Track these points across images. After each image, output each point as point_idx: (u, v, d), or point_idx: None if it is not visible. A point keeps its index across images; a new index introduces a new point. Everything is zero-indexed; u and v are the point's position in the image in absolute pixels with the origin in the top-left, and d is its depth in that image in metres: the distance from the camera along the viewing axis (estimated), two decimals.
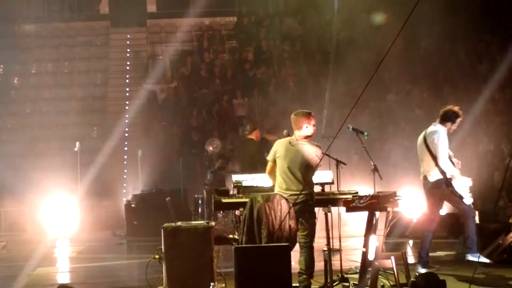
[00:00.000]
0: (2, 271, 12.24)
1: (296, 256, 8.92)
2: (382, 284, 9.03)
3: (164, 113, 21.84)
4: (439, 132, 10.40)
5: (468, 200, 10.29)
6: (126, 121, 22.30)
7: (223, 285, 9.24)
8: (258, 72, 22.77)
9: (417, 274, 9.03)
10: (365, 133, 9.78)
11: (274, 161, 9.00)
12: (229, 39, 25.15)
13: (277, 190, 8.92)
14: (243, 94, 21.95)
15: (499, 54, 19.47)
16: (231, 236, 9.72)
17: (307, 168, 8.84)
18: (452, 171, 10.27)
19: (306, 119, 8.98)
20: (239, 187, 9.56)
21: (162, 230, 8.85)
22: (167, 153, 19.46)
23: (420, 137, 10.65)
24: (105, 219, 18.10)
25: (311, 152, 8.90)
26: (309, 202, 8.84)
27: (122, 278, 11.57)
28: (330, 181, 9.74)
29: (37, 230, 17.11)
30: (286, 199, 8.72)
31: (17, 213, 18.20)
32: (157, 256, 8.94)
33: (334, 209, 9.52)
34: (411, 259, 11.72)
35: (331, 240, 9.39)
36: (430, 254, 10.73)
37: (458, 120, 10.57)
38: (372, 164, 9.38)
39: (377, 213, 8.78)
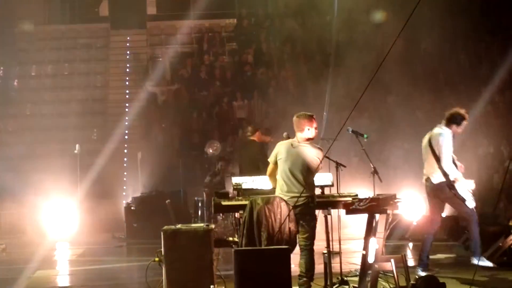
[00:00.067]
0: (2, 274, 12.23)
1: (296, 259, 8.92)
2: (382, 287, 9.03)
3: (164, 115, 21.84)
4: (444, 135, 10.37)
5: (470, 203, 10.27)
6: (126, 123, 22.31)
7: (223, 287, 9.24)
8: (258, 73, 22.78)
9: (417, 277, 9.02)
10: (365, 136, 9.77)
11: (276, 163, 9.00)
12: (229, 41, 25.17)
13: (278, 192, 8.91)
14: (243, 96, 21.95)
15: (499, 55, 19.48)
16: (231, 238, 9.71)
17: (309, 171, 8.84)
18: (455, 174, 10.25)
19: (308, 121, 9.00)
20: (239, 189, 9.56)
21: (162, 233, 8.84)
22: (167, 155, 19.45)
23: (425, 139, 10.60)
24: (105, 222, 18.10)
25: (313, 154, 8.91)
26: (310, 204, 8.84)
27: (122, 280, 11.57)
28: (330, 183, 9.74)
29: (37, 232, 17.10)
30: (286, 202, 8.72)
31: (17, 216, 18.19)
32: (157, 259, 8.92)
33: (334, 212, 9.54)
34: (411, 262, 11.70)
35: (331, 243, 9.39)
36: (430, 256, 10.71)
37: (464, 123, 10.52)
38: (372, 166, 9.38)
39: (377, 216, 8.77)
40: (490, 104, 18.45)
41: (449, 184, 10.26)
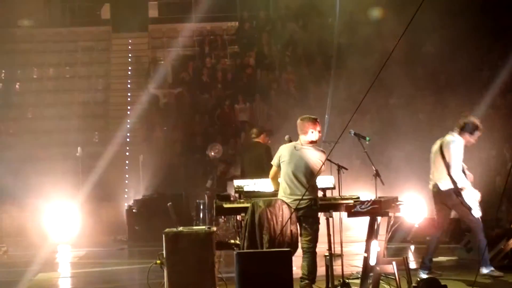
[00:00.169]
0: (3, 277, 12.23)
1: (297, 262, 8.92)
2: None
3: (166, 118, 21.84)
4: (456, 142, 10.37)
5: (476, 212, 10.27)
6: (128, 126, 22.31)
7: None
8: (259, 76, 22.79)
9: (418, 279, 9.01)
10: (367, 138, 9.77)
11: (279, 166, 9.03)
12: (230, 44, 25.17)
13: (281, 195, 8.92)
14: (245, 99, 21.94)
15: (501, 58, 19.46)
16: (232, 241, 9.72)
17: (312, 173, 8.87)
18: (464, 183, 10.25)
19: (312, 124, 9.04)
20: (240, 192, 9.57)
21: (163, 235, 8.84)
22: (168, 158, 19.45)
23: (436, 145, 10.59)
24: (106, 224, 18.08)
25: (316, 157, 8.93)
26: (313, 207, 8.86)
27: (123, 283, 11.57)
28: (332, 186, 9.75)
29: (38, 235, 17.08)
30: (288, 204, 8.73)
31: (18, 218, 18.18)
32: (158, 261, 8.92)
33: (335, 214, 9.53)
34: (412, 264, 11.70)
35: (332, 245, 9.39)
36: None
37: (477, 133, 10.51)
38: (374, 169, 9.38)
39: (379, 218, 8.77)
40: (492, 107, 18.42)
41: (457, 191, 10.25)
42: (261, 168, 12.36)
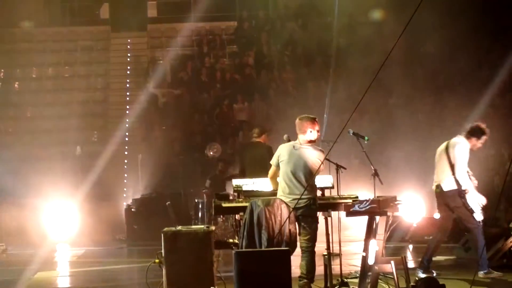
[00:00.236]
0: (2, 275, 12.23)
1: (296, 261, 8.93)
2: None
3: (165, 117, 21.85)
4: (462, 144, 10.42)
5: (478, 216, 10.29)
6: (127, 125, 22.31)
7: None
8: (258, 76, 22.79)
9: (417, 278, 9.03)
10: (366, 138, 9.77)
11: (278, 166, 9.04)
12: (229, 43, 25.17)
13: (280, 194, 8.93)
14: (243, 98, 21.95)
15: (500, 58, 19.47)
16: (231, 240, 9.74)
17: (311, 172, 8.88)
18: (467, 185, 10.27)
19: (311, 123, 9.05)
20: (239, 191, 9.58)
21: (162, 234, 8.85)
22: (167, 157, 19.44)
23: (442, 146, 10.63)
24: (105, 223, 18.07)
25: (315, 156, 8.94)
26: (312, 206, 8.87)
27: (122, 282, 11.58)
28: (330, 185, 9.76)
29: (37, 234, 17.09)
30: (286, 204, 8.74)
31: (17, 217, 18.18)
32: (157, 260, 8.93)
33: (334, 214, 9.55)
34: (411, 264, 11.72)
35: (331, 245, 9.40)
36: None
37: (484, 137, 10.56)
38: (373, 168, 9.39)
39: (377, 218, 8.78)
40: (491, 107, 18.44)
41: (460, 193, 10.27)
42: (264, 168, 12.33)
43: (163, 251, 8.81)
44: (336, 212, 9.61)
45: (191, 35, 25.26)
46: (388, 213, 8.74)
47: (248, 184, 9.68)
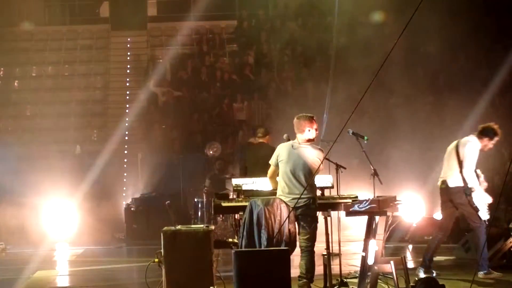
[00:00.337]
0: (2, 274, 12.23)
1: (296, 261, 8.92)
2: None
3: (164, 116, 21.84)
4: (473, 143, 10.43)
5: (483, 215, 10.28)
6: (126, 124, 22.29)
7: None
8: (258, 76, 22.78)
9: (416, 278, 9.02)
10: (365, 138, 9.76)
11: (277, 165, 9.03)
12: (229, 42, 25.15)
13: (279, 194, 8.92)
14: (243, 97, 21.94)
15: (500, 57, 19.47)
16: (230, 240, 9.73)
17: (310, 172, 8.87)
18: (474, 183, 10.27)
19: (309, 122, 9.03)
20: (239, 190, 9.57)
21: (161, 234, 8.84)
22: (167, 156, 19.44)
23: (452, 144, 10.63)
24: (104, 222, 18.06)
25: (314, 155, 8.93)
26: (312, 206, 8.86)
27: (121, 281, 11.57)
28: (330, 185, 9.75)
29: (36, 233, 17.09)
30: (286, 203, 8.73)
31: (16, 216, 18.16)
32: (156, 260, 8.93)
33: (333, 213, 9.54)
34: (410, 264, 11.71)
35: (330, 244, 9.39)
36: None
37: (496, 138, 10.57)
38: (372, 168, 9.38)
39: (377, 218, 8.77)
40: (491, 106, 18.45)
41: (466, 190, 10.27)
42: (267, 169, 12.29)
43: (162, 250, 8.80)
44: (336, 212, 9.61)
45: (191, 34, 25.24)
46: (388, 213, 8.73)
47: (248, 183, 9.67)
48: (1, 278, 11.86)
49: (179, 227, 9.03)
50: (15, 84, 24.49)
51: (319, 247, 9.30)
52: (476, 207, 10.26)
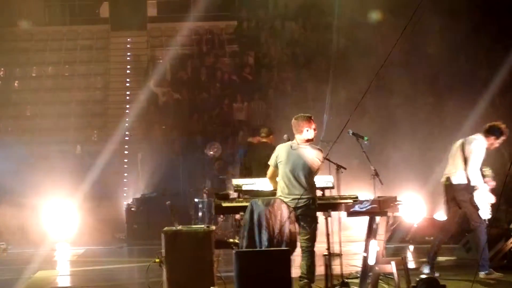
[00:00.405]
0: (2, 274, 12.23)
1: (297, 261, 8.92)
2: None
3: (165, 116, 21.84)
4: (479, 142, 10.41)
5: (484, 214, 10.28)
6: (126, 124, 22.31)
7: None
8: (258, 76, 22.78)
9: (417, 279, 9.03)
10: (365, 138, 9.76)
11: (276, 166, 9.01)
12: (229, 43, 25.17)
13: (279, 194, 8.91)
14: (243, 98, 21.95)
15: (500, 57, 19.47)
16: (231, 240, 9.71)
17: (310, 172, 8.86)
18: (478, 182, 10.27)
19: (307, 122, 9.01)
20: (239, 191, 9.57)
21: (162, 234, 8.84)
22: (167, 156, 19.45)
23: (458, 142, 10.62)
24: (105, 223, 18.06)
25: (313, 155, 8.92)
26: (312, 206, 8.84)
27: (122, 281, 11.56)
28: (331, 185, 9.74)
29: (37, 233, 17.09)
30: (287, 204, 8.73)
31: (17, 216, 18.16)
32: (157, 260, 8.92)
33: (334, 214, 9.53)
34: (411, 264, 11.71)
35: (331, 245, 9.39)
36: None
37: (502, 138, 10.56)
38: (373, 169, 9.38)
39: (378, 218, 8.78)
40: (491, 107, 18.45)
41: (469, 188, 10.27)
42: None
43: (163, 250, 8.80)
44: (337, 212, 9.60)
45: (191, 34, 25.25)
46: (389, 214, 8.74)
47: (248, 183, 9.67)
48: (2, 278, 11.85)
49: (179, 227, 9.03)
50: (15, 84, 24.50)
51: (320, 247, 9.30)
52: (476, 205, 10.27)
